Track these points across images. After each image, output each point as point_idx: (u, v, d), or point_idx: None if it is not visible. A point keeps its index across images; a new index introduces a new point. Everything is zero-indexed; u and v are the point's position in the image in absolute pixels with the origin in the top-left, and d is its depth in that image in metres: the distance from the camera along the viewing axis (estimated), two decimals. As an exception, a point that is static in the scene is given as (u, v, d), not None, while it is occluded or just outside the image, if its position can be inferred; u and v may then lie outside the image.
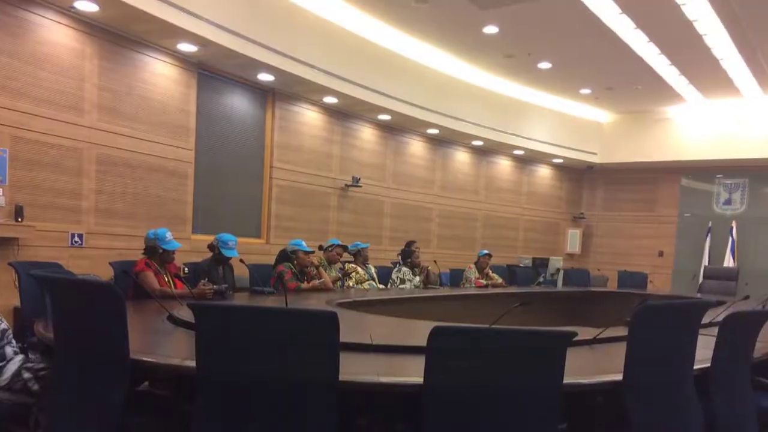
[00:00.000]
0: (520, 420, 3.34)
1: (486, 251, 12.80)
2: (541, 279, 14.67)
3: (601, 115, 18.32)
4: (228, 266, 8.32)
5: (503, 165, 18.05)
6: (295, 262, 9.15)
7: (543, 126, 17.11)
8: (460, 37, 12.73)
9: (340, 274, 10.09)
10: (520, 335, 3.35)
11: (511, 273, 14.78)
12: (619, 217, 19.39)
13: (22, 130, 8.54)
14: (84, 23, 9.16)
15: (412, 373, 3.51)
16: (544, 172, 19.13)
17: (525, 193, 18.71)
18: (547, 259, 16.97)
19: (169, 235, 7.45)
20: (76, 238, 9.21)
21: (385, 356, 4.27)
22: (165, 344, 4.73)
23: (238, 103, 11.85)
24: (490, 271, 12.79)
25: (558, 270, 16.21)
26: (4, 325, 4.87)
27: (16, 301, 7.11)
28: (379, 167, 14.76)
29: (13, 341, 4.89)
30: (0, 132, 8.33)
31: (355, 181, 13.82)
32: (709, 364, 4.24)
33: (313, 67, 11.41)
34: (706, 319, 4.42)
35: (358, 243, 11.26)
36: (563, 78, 15.07)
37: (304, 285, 9.08)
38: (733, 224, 17.46)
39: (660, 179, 18.73)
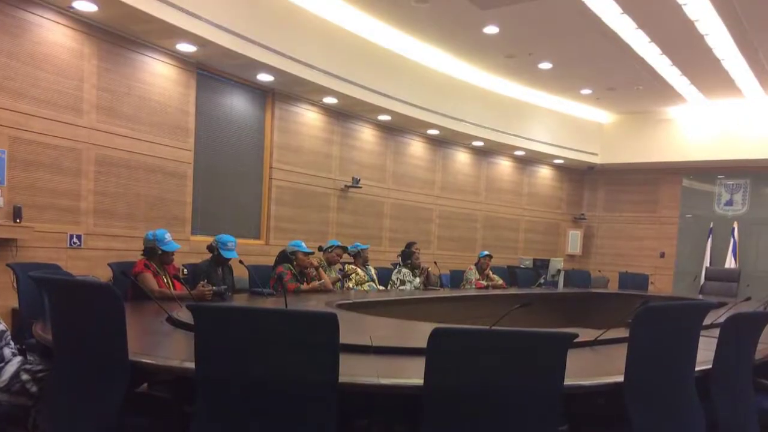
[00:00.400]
0: (520, 421, 3.33)
1: (486, 252, 12.78)
2: (541, 280, 14.63)
3: (602, 116, 18.29)
4: (227, 267, 8.29)
5: (504, 166, 18.03)
6: (295, 263, 9.13)
7: (544, 126, 17.10)
8: (460, 37, 12.71)
9: (339, 276, 10.07)
10: (521, 337, 3.33)
11: (511, 274, 14.76)
12: (620, 218, 19.36)
13: (20, 131, 8.51)
14: (82, 23, 9.14)
15: (412, 374, 3.50)
16: (544, 172, 19.11)
17: (525, 194, 18.69)
18: (548, 261, 16.93)
19: (168, 236, 7.43)
20: (75, 239, 9.19)
21: (385, 358, 4.25)
22: (164, 346, 4.71)
23: (237, 104, 11.83)
24: (491, 273, 12.77)
25: (559, 271, 16.18)
26: (3, 326, 4.85)
27: (14, 303, 7.08)
28: (379, 168, 14.74)
29: (12, 343, 4.87)
30: (-1, 133, 8.34)
31: (355, 182, 13.80)
32: (710, 366, 4.23)
33: (312, 67, 11.39)
34: (707, 321, 4.39)
35: (358, 244, 11.24)
36: (564, 78, 15.06)
37: (304, 286, 9.06)
38: (735, 225, 17.42)
39: (661, 180, 18.71)
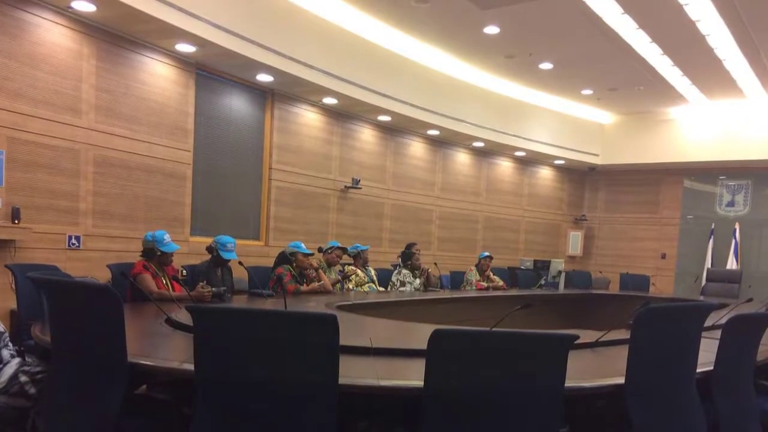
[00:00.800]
0: (521, 424, 3.32)
1: (487, 253, 12.76)
2: (542, 281, 14.60)
3: (603, 116, 18.28)
4: (227, 269, 8.28)
5: (504, 166, 18.02)
6: (295, 264, 9.11)
7: (544, 127, 17.09)
8: (460, 38, 12.70)
9: (339, 277, 10.05)
10: (522, 338, 3.32)
11: (512, 275, 14.75)
12: (621, 219, 19.36)
13: (19, 132, 8.50)
14: (81, 23, 9.13)
15: (412, 376, 3.49)
16: (545, 173, 19.10)
17: (526, 194, 18.68)
18: (549, 262, 16.93)
19: (167, 237, 7.41)
20: (74, 240, 9.18)
21: (385, 359, 4.23)
22: (163, 347, 4.69)
23: (236, 104, 11.82)
24: (491, 274, 12.75)
25: (559, 272, 16.18)
26: (1, 328, 4.84)
27: (12, 304, 7.11)
28: (379, 168, 14.73)
29: (10, 344, 4.86)
30: (-3, 133, 8.32)
31: (355, 183, 13.79)
32: (711, 368, 4.22)
33: (312, 67, 11.38)
34: (708, 322, 4.38)
35: (358, 245, 11.20)
36: (565, 79, 15.04)
37: (304, 287, 9.03)
38: (736, 226, 17.42)
39: (662, 181, 18.70)
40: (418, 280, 11.41)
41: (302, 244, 9.27)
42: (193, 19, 9.39)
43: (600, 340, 5.04)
